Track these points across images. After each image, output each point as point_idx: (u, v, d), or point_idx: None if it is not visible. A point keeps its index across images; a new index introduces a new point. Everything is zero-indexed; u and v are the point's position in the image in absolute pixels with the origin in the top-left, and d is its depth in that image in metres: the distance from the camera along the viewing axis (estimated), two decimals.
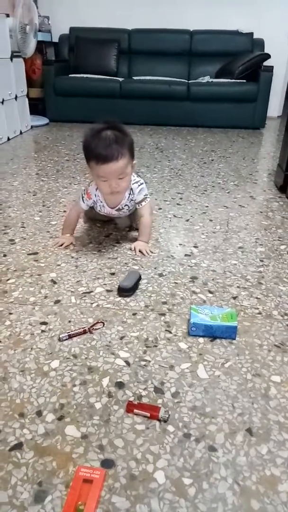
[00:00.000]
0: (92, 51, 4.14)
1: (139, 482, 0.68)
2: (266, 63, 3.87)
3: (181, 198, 2.01)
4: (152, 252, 1.45)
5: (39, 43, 3.87)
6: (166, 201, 1.97)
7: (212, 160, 2.78)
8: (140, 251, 1.44)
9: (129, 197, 1.41)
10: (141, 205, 1.44)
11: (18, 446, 0.73)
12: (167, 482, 0.68)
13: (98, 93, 3.89)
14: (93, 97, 3.89)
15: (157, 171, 2.47)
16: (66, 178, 2.29)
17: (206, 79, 4.00)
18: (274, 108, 4.52)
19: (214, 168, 2.58)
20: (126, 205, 1.44)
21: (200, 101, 3.87)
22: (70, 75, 4.02)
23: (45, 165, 2.55)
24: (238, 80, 3.85)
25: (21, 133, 3.43)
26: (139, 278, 1.24)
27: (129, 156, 1.27)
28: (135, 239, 1.51)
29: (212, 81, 3.91)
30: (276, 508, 0.64)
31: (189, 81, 3.93)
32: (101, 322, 1.06)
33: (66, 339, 1.00)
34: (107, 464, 0.71)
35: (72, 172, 2.40)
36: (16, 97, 3.30)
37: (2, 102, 3.05)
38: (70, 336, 1.01)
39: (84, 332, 1.02)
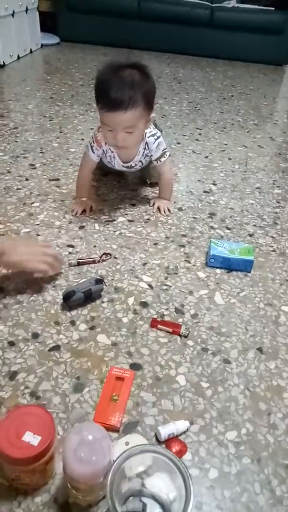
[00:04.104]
0: None
1: (164, 383, 0.78)
2: None
3: (200, 134, 1.98)
4: (170, 212, 1.31)
5: None
6: (185, 135, 1.94)
7: (232, 96, 2.67)
8: (158, 208, 1.31)
9: (143, 152, 1.22)
10: (160, 161, 1.24)
11: (56, 348, 0.82)
12: (187, 384, 0.78)
13: (115, 11, 3.58)
14: (109, 15, 3.60)
15: (175, 104, 2.39)
16: (82, 105, 2.21)
17: (232, 3, 3.67)
18: None
19: (233, 104, 2.49)
20: (140, 161, 1.25)
21: (223, 29, 3.58)
22: None
23: (59, 89, 2.45)
24: (266, 8, 3.55)
25: (31, 51, 3.22)
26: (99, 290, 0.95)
27: (144, 106, 1.05)
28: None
29: (238, 7, 3.60)
30: (280, 409, 0.75)
31: (213, 4, 3.61)
32: (108, 253, 1.10)
33: (75, 265, 1.05)
34: (135, 367, 0.80)
35: (88, 99, 2.31)
36: (26, 10, 3.05)
37: (13, 15, 2.82)
38: (79, 264, 1.05)
39: (94, 262, 1.06)
